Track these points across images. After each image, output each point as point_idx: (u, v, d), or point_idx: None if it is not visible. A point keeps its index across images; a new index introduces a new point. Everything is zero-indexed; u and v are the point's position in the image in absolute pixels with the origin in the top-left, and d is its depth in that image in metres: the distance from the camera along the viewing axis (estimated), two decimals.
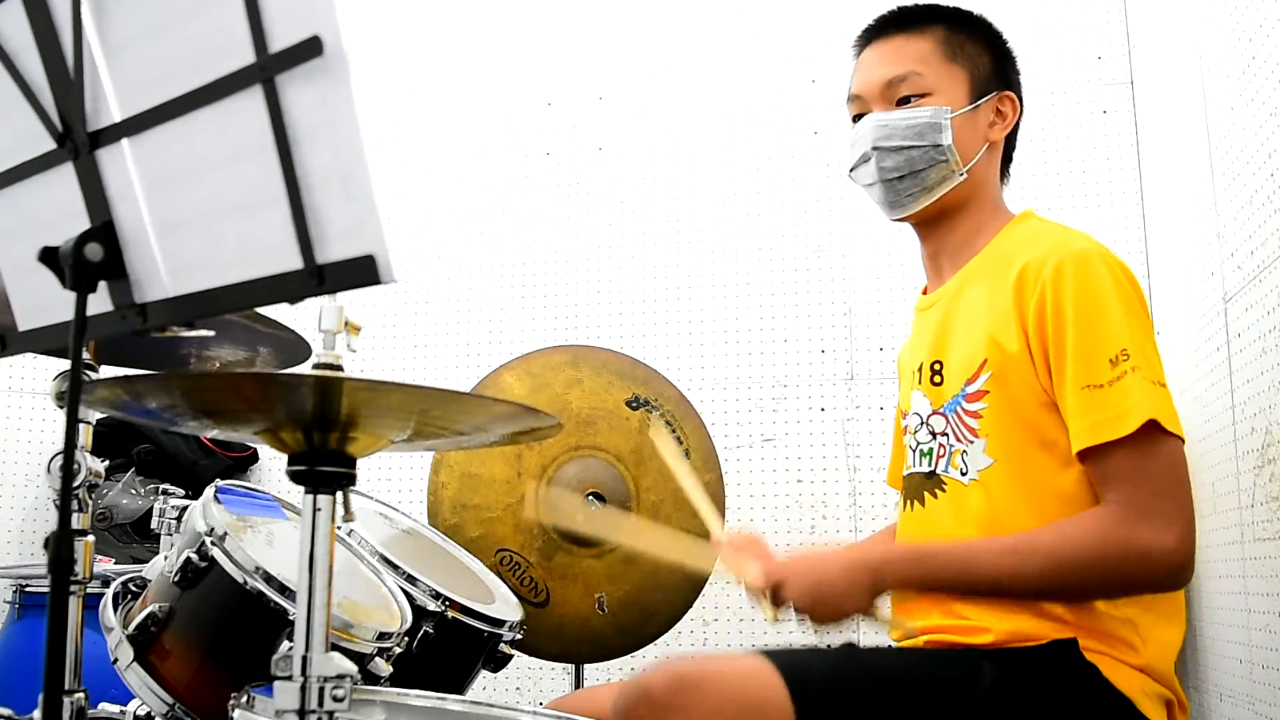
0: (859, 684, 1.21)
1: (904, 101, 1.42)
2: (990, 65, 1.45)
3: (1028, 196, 2.62)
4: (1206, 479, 1.93)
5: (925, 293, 1.54)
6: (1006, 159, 1.51)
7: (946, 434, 1.37)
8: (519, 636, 1.76)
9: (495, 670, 1.78)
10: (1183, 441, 1.24)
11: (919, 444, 1.43)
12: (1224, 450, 1.81)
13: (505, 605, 1.83)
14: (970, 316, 1.38)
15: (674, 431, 2.22)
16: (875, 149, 1.42)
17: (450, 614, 1.63)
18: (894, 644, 1.42)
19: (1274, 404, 1.56)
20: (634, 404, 2.21)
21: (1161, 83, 2.38)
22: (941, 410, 1.39)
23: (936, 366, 1.41)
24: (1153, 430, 1.20)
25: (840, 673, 1.23)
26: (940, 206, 1.44)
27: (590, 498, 2.10)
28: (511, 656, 1.78)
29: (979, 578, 1.25)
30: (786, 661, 1.19)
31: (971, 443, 1.34)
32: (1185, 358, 2.13)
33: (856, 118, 1.47)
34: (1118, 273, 1.28)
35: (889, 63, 1.44)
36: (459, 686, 1.73)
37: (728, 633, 2.69)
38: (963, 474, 1.34)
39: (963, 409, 1.35)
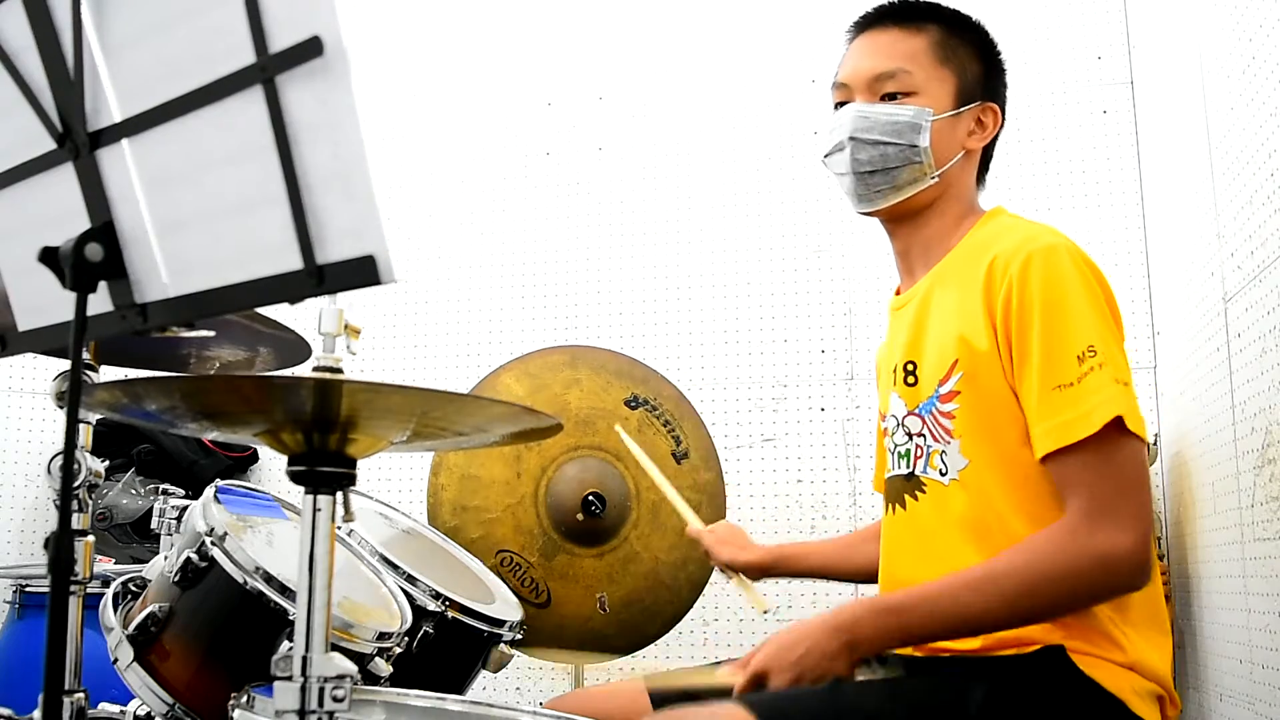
0: None
1: (889, 98, 1.41)
2: (979, 73, 1.45)
3: (1028, 196, 2.62)
4: (1206, 479, 1.93)
5: (898, 292, 1.53)
6: (984, 167, 1.51)
7: (923, 435, 1.37)
8: (519, 637, 1.76)
9: (495, 670, 1.78)
10: (1145, 444, 1.23)
11: (896, 446, 1.42)
12: (1224, 450, 1.81)
13: (505, 605, 1.83)
14: (942, 316, 1.37)
15: (672, 431, 2.22)
16: (852, 139, 1.41)
17: (450, 614, 1.63)
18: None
19: (1274, 404, 1.56)
20: (633, 403, 2.21)
21: (1161, 83, 2.38)
22: (916, 411, 1.38)
23: (910, 367, 1.41)
24: (1115, 430, 1.19)
25: (821, 718, 1.20)
26: (909, 206, 1.44)
27: (590, 498, 2.10)
28: (512, 656, 1.78)
29: (950, 618, 1.23)
30: (768, 710, 1.17)
31: (949, 443, 1.33)
32: (1185, 358, 2.13)
33: (839, 104, 1.47)
34: (1084, 269, 1.27)
35: (880, 56, 1.43)
36: (459, 686, 1.73)
37: (728, 632, 2.69)
38: (942, 474, 1.34)
39: (938, 410, 1.34)
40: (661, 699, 1.40)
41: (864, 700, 1.23)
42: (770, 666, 1.24)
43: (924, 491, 1.36)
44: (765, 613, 1.64)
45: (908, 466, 1.39)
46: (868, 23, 1.47)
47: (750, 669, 1.25)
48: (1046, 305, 1.23)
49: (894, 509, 1.43)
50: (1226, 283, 1.81)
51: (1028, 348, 1.24)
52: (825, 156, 1.46)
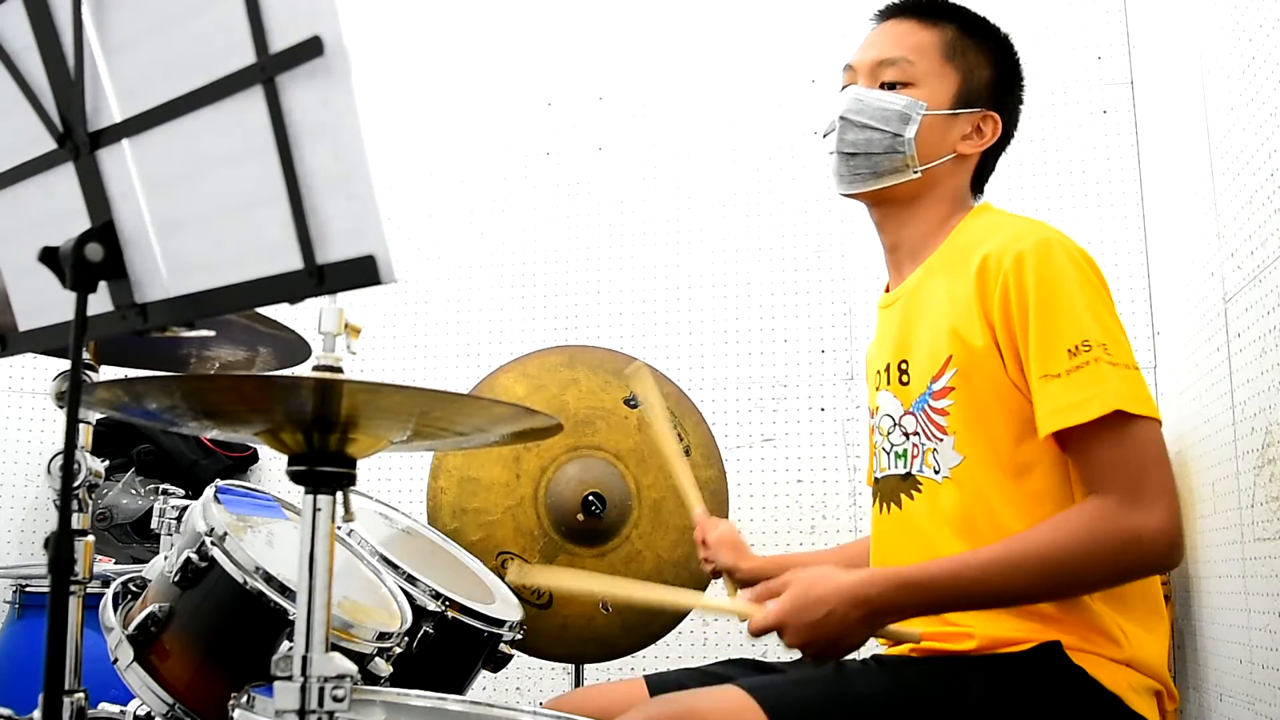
0: (844, 715, 1.20)
1: (890, 87, 1.42)
2: (988, 80, 1.44)
3: (1028, 196, 2.62)
4: (1206, 479, 1.93)
5: (887, 290, 1.54)
6: (984, 176, 1.50)
7: (918, 433, 1.37)
8: (519, 636, 1.76)
9: (495, 670, 1.78)
10: (1159, 422, 1.23)
11: (893, 446, 1.42)
12: (1224, 450, 1.81)
13: (505, 605, 1.83)
14: (932, 313, 1.37)
15: (673, 428, 2.22)
16: (842, 119, 1.42)
17: (450, 614, 1.63)
18: (883, 650, 1.41)
19: (1274, 404, 1.56)
20: (632, 402, 2.21)
21: (1161, 83, 2.38)
22: (911, 410, 1.38)
23: (904, 366, 1.41)
24: (1123, 416, 1.19)
25: (824, 704, 1.21)
26: (888, 196, 1.44)
27: (590, 498, 2.10)
28: (511, 656, 1.78)
29: (975, 594, 1.23)
30: (769, 696, 1.18)
31: (941, 440, 1.33)
32: (1185, 358, 2.13)
33: (845, 87, 1.47)
34: (1079, 260, 1.27)
35: (888, 44, 1.44)
36: (459, 686, 1.73)
37: (728, 631, 2.69)
38: (936, 472, 1.34)
39: (930, 406, 1.35)
40: (660, 687, 1.41)
41: (865, 689, 1.23)
42: (788, 623, 1.23)
43: (919, 491, 1.37)
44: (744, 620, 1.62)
45: (904, 466, 1.39)
46: (890, 11, 1.48)
47: (769, 619, 1.24)
48: (1040, 298, 1.24)
49: (887, 508, 1.43)
50: (1226, 283, 1.81)
51: (1026, 340, 1.25)
52: (824, 135, 1.48)
